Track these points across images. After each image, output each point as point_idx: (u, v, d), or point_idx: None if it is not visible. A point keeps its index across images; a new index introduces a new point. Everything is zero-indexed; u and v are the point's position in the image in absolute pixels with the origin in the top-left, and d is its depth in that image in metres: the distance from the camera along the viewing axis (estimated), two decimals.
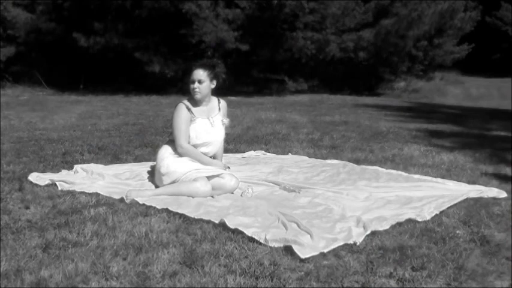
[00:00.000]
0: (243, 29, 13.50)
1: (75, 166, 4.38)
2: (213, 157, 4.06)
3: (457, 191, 3.92)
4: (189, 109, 3.87)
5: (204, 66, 3.91)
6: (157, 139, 6.07)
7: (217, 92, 4.07)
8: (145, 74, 14.04)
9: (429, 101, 15.96)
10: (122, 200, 3.48)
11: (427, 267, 2.50)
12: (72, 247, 2.65)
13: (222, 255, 2.58)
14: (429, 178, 4.36)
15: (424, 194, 3.81)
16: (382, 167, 4.75)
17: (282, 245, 2.72)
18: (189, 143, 3.88)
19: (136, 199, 3.47)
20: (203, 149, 3.95)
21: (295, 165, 4.79)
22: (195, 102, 3.93)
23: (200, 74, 3.85)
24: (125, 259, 2.53)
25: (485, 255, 2.70)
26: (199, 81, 3.85)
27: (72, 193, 3.64)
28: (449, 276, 2.42)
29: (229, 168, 4.16)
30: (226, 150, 5.49)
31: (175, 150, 3.86)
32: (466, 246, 2.81)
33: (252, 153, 5.46)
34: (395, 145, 6.12)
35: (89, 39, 13.51)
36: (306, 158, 5.23)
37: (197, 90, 3.85)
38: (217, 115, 4.03)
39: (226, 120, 4.10)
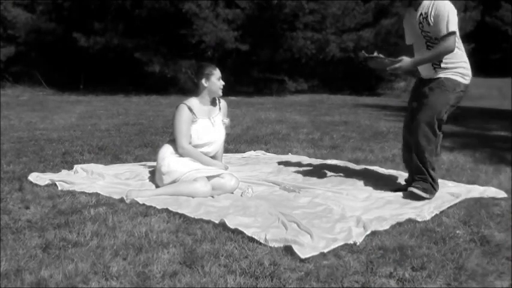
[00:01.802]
0: (242, 29, 13.50)
1: (75, 166, 4.38)
2: (214, 157, 4.06)
3: (457, 191, 3.91)
4: (191, 110, 3.88)
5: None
6: (157, 139, 6.07)
7: None
8: (145, 74, 14.04)
9: None
10: (122, 200, 3.48)
11: (427, 267, 2.50)
12: (72, 247, 2.65)
13: (222, 255, 2.58)
14: None
15: None
16: (382, 167, 4.76)
17: (282, 245, 2.72)
18: (190, 143, 3.88)
19: (136, 199, 3.47)
20: (204, 149, 3.95)
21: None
22: (201, 102, 3.95)
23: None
24: (125, 259, 2.53)
25: (485, 255, 2.70)
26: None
27: (72, 193, 3.64)
28: (449, 276, 2.42)
29: (227, 168, 4.16)
30: (226, 150, 5.49)
31: (176, 150, 3.87)
32: (466, 246, 2.81)
33: (252, 153, 5.46)
34: (395, 145, 6.12)
35: (89, 39, 13.51)
36: (306, 158, 5.23)
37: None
38: (217, 115, 4.04)
39: (227, 120, 4.12)
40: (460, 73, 3.67)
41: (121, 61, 14.28)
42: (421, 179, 3.69)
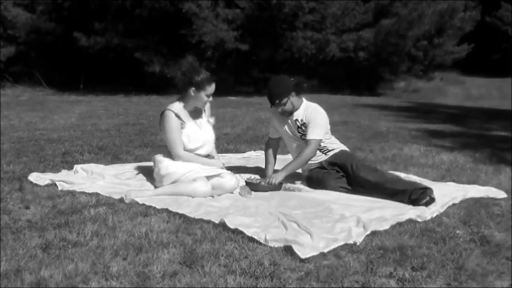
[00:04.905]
0: (242, 29, 13.52)
1: (75, 166, 4.38)
2: (208, 157, 4.04)
3: (457, 191, 3.92)
4: (178, 116, 3.83)
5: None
6: (157, 139, 6.06)
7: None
8: (146, 74, 14.05)
9: (429, 101, 15.96)
10: (121, 200, 3.48)
11: (427, 267, 2.50)
12: (72, 247, 2.65)
13: (222, 255, 2.58)
14: (426, 181, 4.36)
15: None
16: (382, 167, 4.75)
17: (282, 245, 2.72)
18: (183, 149, 3.85)
19: (136, 199, 3.46)
20: (198, 152, 3.92)
21: None
22: (185, 107, 3.89)
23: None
24: (125, 259, 2.53)
25: (485, 255, 2.70)
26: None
27: (72, 193, 3.64)
28: (449, 276, 2.42)
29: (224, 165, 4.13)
30: (226, 150, 5.49)
31: (168, 154, 3.84)
32: (466, 246, 2.81)
33: (252, 153, 5.47)
34: (395, 145, 6.12)
35: (89, 39, 13.52)
36: None
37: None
38: (203, 117, 4.01)
39: (212, 119, 4.09)
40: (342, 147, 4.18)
41: (121, 61, 14.29)
42: (415, 197, 3.55)
